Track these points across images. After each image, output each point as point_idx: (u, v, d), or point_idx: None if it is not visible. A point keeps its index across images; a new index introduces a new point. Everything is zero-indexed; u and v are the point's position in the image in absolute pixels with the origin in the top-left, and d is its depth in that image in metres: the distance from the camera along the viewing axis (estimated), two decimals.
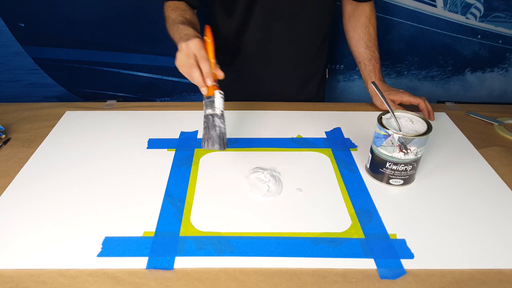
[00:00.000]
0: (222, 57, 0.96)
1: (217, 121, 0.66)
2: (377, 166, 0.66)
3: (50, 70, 1.26)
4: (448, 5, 1.17)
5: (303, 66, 1.00)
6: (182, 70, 0.67)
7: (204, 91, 0.66)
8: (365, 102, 0.95)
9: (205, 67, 0.65)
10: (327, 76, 1.08)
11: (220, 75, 0.68)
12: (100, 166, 0.70)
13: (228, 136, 0.79)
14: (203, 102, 0.67)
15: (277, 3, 0.86)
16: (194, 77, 0.65)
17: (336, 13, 0.99)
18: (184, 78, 0.67)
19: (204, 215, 0.60)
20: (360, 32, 0.94)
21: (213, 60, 0.68)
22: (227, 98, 1.00)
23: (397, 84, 1.33)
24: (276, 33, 0.91)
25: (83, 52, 1.22)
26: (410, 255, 0.53)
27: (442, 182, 0.67)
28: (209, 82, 0.65)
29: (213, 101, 0.66)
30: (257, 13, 0.87)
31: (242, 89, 1.00)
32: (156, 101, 1.33)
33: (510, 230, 0.58)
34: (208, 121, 0.67)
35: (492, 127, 0.85)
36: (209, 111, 0.67)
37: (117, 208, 0.61)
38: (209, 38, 0.70)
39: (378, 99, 0.90)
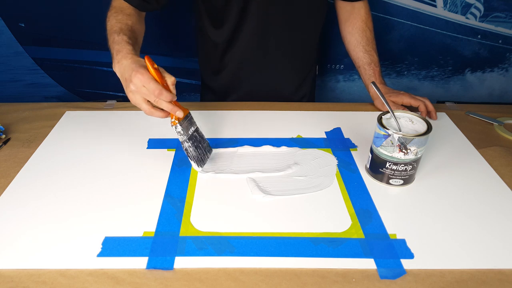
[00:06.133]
0: (216, 63, 0.96)
1: (202, 133, 0.69)
2: (377, 166, 0.66)
3: (50, 70, 1.26)
4: (448, 5, 1.17)
5: (298, 67, 0.99)
6: (143, 107, 0.63)
7: (180, 114, 0.63)
8: (365, 102, 0.95)
9: (167, 96, 0.61)
10: (317, 73, 1.09)
11: (174, 90, 0.64)
12: (100, 166, 0.70)
13: (229, 136, 0.79)
14: (178, 128, 0.64)
15: (271, 7, 0.85)
16: (164, 107, 0.62)
17: (333, 12, 0.99)
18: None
19: (204, 215, 0.60)
20: (357, 37, 0.93)
21: (169, 80, 0.63)
22: (224, 98, 1.01)
23: (397, 84, 1.33)
24: (271, 38, 0.90)
25: (83, 52, 1.22)
26: (410, 255, 0.53)
27: (442, 182, 0.67)
28: (179, 112, 0.63)
29: (190, 118, 0.67)
30: (250, 21, 0.87)
31: (237, 89, 1.00)
32: None
33: (510, 230, 0.58)
34: (196, 138, 0.67)
35: (492, 127, 0.85)
36: (192, 129, 0.67)
37: (117, 208, 0.61)
38: (148, 63, 0.62)
39: (379, 101, 0.90)
